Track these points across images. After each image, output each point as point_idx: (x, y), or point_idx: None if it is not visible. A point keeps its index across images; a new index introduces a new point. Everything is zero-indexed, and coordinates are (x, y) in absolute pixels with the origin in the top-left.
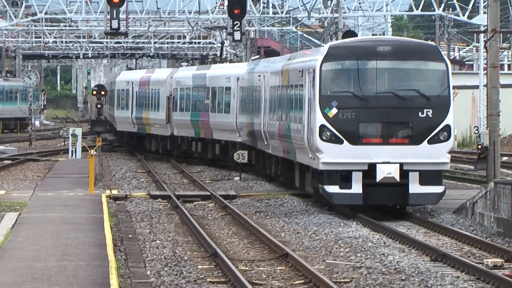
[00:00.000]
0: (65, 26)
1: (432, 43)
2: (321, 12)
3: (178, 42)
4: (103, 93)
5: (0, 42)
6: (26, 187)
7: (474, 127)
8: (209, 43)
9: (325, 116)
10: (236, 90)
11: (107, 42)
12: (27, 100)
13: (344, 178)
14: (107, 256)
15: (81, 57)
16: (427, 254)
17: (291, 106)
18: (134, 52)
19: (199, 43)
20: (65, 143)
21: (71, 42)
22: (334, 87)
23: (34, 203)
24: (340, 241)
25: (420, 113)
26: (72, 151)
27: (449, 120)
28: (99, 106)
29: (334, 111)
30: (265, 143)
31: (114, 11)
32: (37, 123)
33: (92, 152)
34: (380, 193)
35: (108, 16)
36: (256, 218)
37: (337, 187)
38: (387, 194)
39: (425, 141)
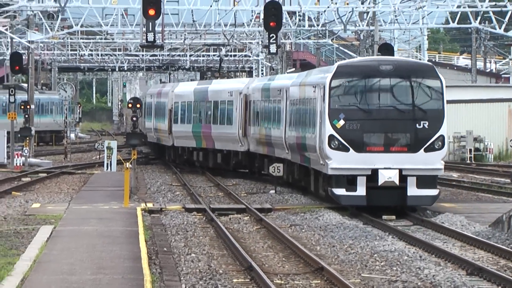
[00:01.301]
0: (101, 38)
1: (429, 63)
2: (357, 25)
3: (214, 55)
4: (138, 106)
5: (36, 55)
6: (61, 200)
7: (510, 140)
8: (245, 55)
9: (334, 127)
10: (238, 103)
11: (142, 55)
12: (62, 113)
13: (350, 181)
14: (142, 269)
15: (117, 69)
16: (463, 268)
17: (306, 118)
18: (170, 64)
19: (234, 55)
20: (100, 156)
21: (106, 54)
22: (341, 101)
23: (69, 216)
24: (375, 255)
25: (417, 125)
26: (107, 164)
27: (443, 131)
28: (134, 118)
29: (341, 122)
30: (286, 151)
31: (150, 23)
32: (72, 136)
33: (128, 165)
34: (381, 195)
35: (144, 29)
36: (291, 231)
37: (344, 189)
38: (388, 196)
39: (422, 150)
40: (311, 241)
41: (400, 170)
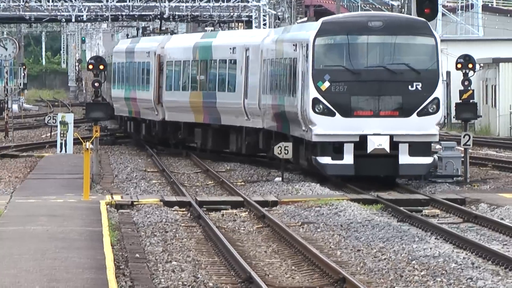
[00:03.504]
0: None
1: (422, 19)
2: None
3: (201, 1)
4: (101, 67)
5: None
6: (0, 192)
7: None
8: (242, 1)
9: (318, 89)
10: (153, 65)
11: (107, 1)
12: (2, 78)
13: (336, 149)
14: (107, 282)
15: (73, 20)
16: None
17: (285, 80)
18: (143, 13)
19: (228, 1)
20: (52, 133)
21: (59, 0)
22: (326, 61)
23: (11, 213)
24: (414, 262)
25: (409, 87)
26: (61, 144)
27: (437, 93)
28: (96, 84)
29: (326, 84)
30: (246, 118)
31: None
32: (15, 107)
33: (88, 145)
34: (371, 164)
35: None
36: (303, 231)
37: (330, 158)
38: (378, 165)
39: (415, 114)
40: (330, 244)
41: (391, 136)
